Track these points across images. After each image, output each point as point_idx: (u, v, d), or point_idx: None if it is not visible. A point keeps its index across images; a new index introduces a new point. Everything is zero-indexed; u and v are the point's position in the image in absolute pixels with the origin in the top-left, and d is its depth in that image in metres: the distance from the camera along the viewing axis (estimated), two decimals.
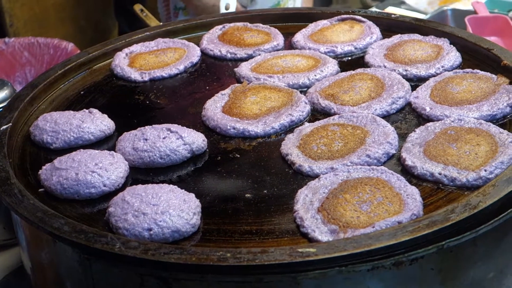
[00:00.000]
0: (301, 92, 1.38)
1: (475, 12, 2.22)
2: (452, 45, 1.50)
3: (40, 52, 2.14)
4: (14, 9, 3.42)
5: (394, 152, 1.17)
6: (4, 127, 1.27)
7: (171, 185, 1.09)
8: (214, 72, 1.55)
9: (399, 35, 1.58)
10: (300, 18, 1.75)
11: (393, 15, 1.68)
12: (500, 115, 1.24)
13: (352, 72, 1.43)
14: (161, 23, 1.83)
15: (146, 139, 1.20)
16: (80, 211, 1.10)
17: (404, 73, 1.41)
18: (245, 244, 0.99)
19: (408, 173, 1.12)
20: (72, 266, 1.01)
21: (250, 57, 1.57)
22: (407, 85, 1.34)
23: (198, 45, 1.64)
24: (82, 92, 1.49)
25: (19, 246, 1.25)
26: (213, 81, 1.51)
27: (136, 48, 1.63)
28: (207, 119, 1.32)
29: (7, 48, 2.14)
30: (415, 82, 1.39)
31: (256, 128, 1.26)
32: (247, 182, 1.14)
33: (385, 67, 1.44)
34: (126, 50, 1.61)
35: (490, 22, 2.16)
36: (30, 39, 2.15)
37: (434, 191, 1.08)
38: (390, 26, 1.65)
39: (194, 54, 1.59)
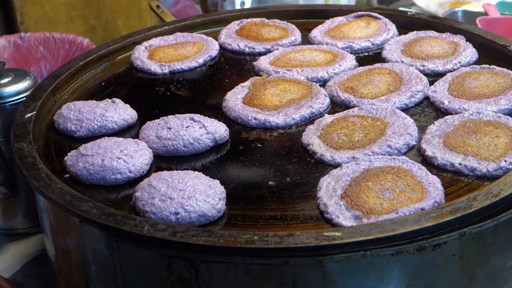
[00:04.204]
0: (319, 85, 1.39)
1: (486, 13, 2.23)
2: (468, 42, 1.52)
3: (55, 47, 2.15)
4: (25, 7, 3.43)
5: (414, 143, 1.19)
6: (29, 115, 1.29)
7: (196, 172, 1.11)
8: (233, 66, 1.57)
9: (415, 31, 1.60)
10: (316, 15, 1.77)
11: (409, 12, 1.70)
12: None
13: (370, 66, 1.44)
14: (178, 19, 1.85)
15: (169, 128, 1.22)
16: (105, 197, 1.12)
17: (422, 68, 1.43)
18: (270, 229, 1.01)
19: (428, 163, 1.13)
20: (99, 249, 1.03)
21: (268, 51, 1.59)
22: (425, 79, 1.36)
23: (216, 39, 1.66)
24: (103, 83, 1.51)
25: (42, 233, 1.26)
26: (232, 74, 1.52)
27: (155, 41, 1.65)
28: (228, 110, 1.33)
29: (22, 43, 2.15)
30: (433, 77, 1.41)
31: (277, 119, 1.28)
32: (270, 170, 1.16)
33: (402, 62, 1.46)
34: (145, 44, 1.63)
35: (501, 23, 2.17)
36: (45, 34, 2.16)
37: (454, 181, 1.09)
38: (406, 23, 1.66)
39: (212, 48, 1.61)
